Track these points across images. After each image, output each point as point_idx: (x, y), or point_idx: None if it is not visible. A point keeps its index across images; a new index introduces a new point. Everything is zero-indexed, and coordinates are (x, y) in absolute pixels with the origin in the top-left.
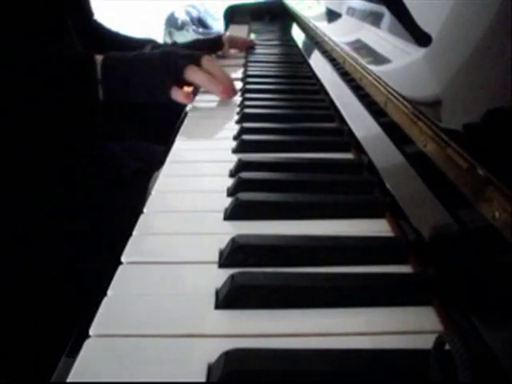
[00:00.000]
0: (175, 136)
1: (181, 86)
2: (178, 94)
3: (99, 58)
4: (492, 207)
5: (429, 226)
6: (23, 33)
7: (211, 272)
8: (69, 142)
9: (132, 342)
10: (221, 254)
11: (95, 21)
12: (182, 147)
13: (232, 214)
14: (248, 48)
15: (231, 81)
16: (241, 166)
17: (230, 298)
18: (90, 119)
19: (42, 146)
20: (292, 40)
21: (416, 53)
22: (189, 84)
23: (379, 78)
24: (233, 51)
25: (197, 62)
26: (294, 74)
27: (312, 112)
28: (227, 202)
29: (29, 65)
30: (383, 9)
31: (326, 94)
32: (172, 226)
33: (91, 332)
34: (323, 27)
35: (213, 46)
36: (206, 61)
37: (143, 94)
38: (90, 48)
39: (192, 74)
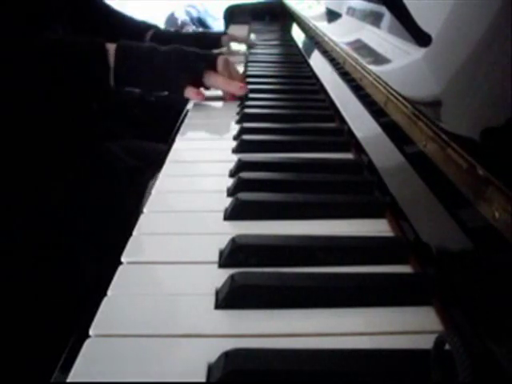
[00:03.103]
0: (175, 136)
1: (196, 86)
2: (190, 93)
3: (111, 45)
4: (492, 207)
5: (429, 226)
6: (22, 18)
7: (211, 272)
8: (67, 142)
9: (132, 342)
10: (221, 254)
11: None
12: (182, 147)
13: (232, 214)
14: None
15: (243, 78)
16: (241, 166)
17: (230, 298)
18: (96, 112)
19: (40, 146)
20: (292, 40)
21: (416, 53)
22: (205, 86)
23: (379, 77)
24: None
25: (213, 65)
26: (294, 74)
27: (312, 112)
28: (227, 202)
29: (38, 52)
30: (383, 9)
31: (326, 94)
32: (172, 226)
33: (91, 332)
34: (323, 27)
35: (212, 45)
36: (222, 62)
37: (156, 85)
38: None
39: (212, 79)
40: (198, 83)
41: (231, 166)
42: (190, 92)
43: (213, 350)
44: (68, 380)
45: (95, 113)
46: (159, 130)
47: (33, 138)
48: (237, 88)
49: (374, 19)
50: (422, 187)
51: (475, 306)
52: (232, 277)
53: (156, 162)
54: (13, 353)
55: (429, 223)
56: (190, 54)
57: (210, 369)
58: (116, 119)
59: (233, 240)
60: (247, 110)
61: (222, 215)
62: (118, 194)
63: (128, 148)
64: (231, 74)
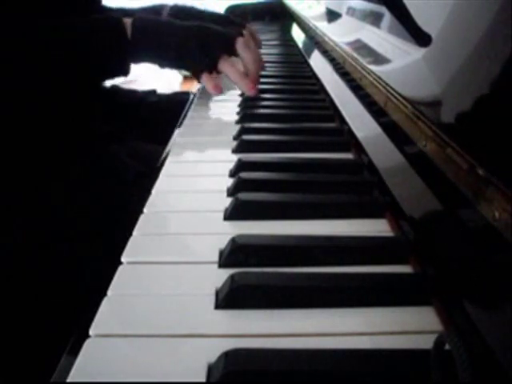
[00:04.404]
0: (175, 136)
1: (210, 72)
2: (208, 82)
3: (128, 20)
4: (492, 207)
5: (429, 226)
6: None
7: (211, 272)
8: (68, 142)
9: (132, 341)
10: (221, 254)
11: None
12: (182, 147)
13: (232, 214)
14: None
15: (259, 69)
16: (241, 166)
17: (230, 298)
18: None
19: (41, 145)
20: (292, 40)
21: (416, 53)
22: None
23: (379, 77)
24: None
25: (231, 47)
26: (294, 74)
27: (312, 112)
28: (227, 201)
29: (53, 34)
30: (383, 9)
31: (326, 94)
32: (172, 226)
33: (91, 332)
34: (323, 27)
35: None
36: (241, 44)
37: (172, 61)
38: None
39: (225, 66)
40: (214, 67)
41: (231, 166)
42: (208, 82)
43: (213, 350)
44: (68, 380)
45: (97, 113)
46: (161, 131)
47: (33, 137)
48: (247, 87)
49: (374, 19)
50: (422, 187)
51: (475, 306)
52: (232, 277)
53: (158, 166)
54: (13, 353)
55: (429, 223)
56: (209, 33)
57: (210, 369)
58: (117, 120)
59: (233, 240)
60: (247, 110)
61: (221, 215)
62: (119, 194)
63: (129, 149)
64: (246, 60)
